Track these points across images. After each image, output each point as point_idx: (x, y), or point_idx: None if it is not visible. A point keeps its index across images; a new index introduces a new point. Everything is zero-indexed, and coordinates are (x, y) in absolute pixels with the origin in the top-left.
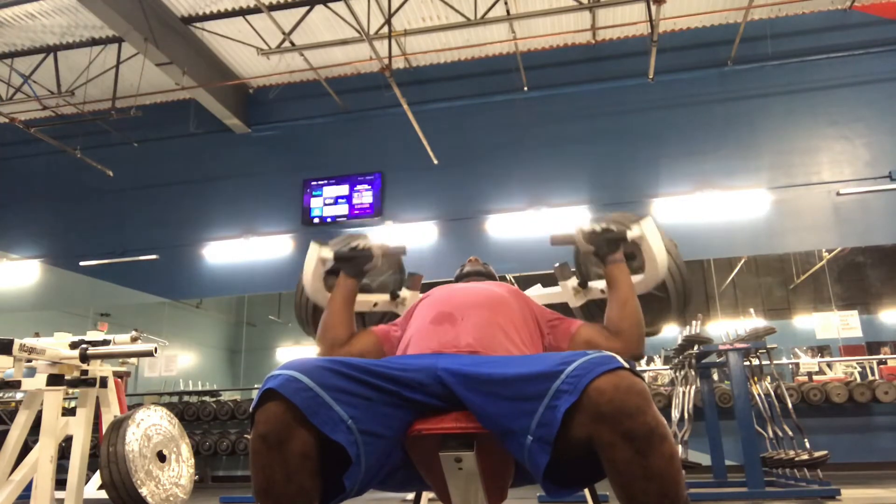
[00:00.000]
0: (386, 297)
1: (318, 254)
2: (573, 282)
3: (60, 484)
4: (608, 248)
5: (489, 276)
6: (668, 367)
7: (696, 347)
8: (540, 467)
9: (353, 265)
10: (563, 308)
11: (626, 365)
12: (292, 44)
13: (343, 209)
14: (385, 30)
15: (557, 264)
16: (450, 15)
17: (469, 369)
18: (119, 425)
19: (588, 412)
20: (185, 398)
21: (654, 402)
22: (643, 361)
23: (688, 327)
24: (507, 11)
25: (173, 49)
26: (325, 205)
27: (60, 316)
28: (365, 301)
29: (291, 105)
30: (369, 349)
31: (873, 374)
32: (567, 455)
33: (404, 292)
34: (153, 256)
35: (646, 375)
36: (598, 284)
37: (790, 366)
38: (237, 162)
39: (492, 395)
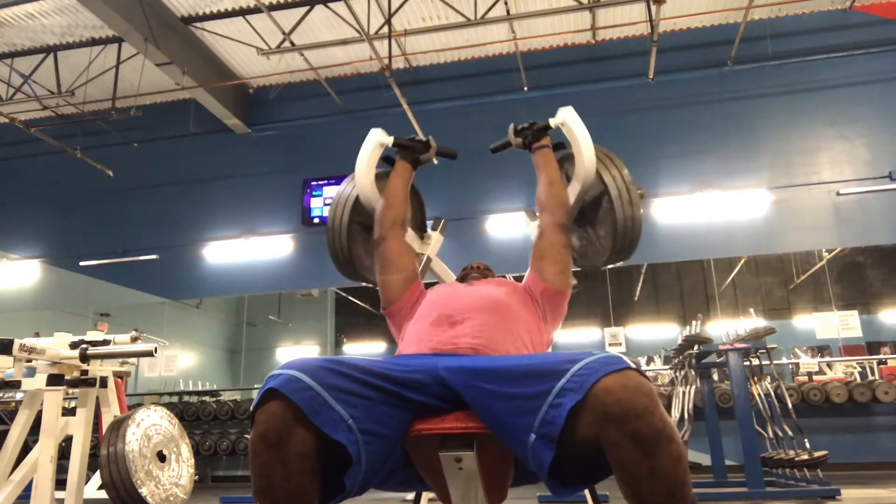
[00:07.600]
0: (415, 233)
1: (378, 137)
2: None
3: (60, 484)
4: (534, 138)
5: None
6: (668, 367)
7: (696, 347)
8: (544, 465)
9: (409, 151)
10: None
11: (633, 365)
12: (292, 44)
13: None
14: (385, 30)
15: (525, 209)
16: (450, 15)
17: (471, 366)
18: (119, 425)
19: (594, 412)
20: (185, 398)
21: (661, 403)
22: (644, 362)
23: (688, 327)
24: (507, 11)
25: (173, 49)
26: (325, 205)
27: (60, 316)
28: None
29: (291, 105)
30: (407, 269)
31: (873, 374)
32: (571, 454)
33: (430, 232)
34: (153, 256)
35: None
36: None
37: (790, 366)
38: (237, 162)
39: (494, 393)
